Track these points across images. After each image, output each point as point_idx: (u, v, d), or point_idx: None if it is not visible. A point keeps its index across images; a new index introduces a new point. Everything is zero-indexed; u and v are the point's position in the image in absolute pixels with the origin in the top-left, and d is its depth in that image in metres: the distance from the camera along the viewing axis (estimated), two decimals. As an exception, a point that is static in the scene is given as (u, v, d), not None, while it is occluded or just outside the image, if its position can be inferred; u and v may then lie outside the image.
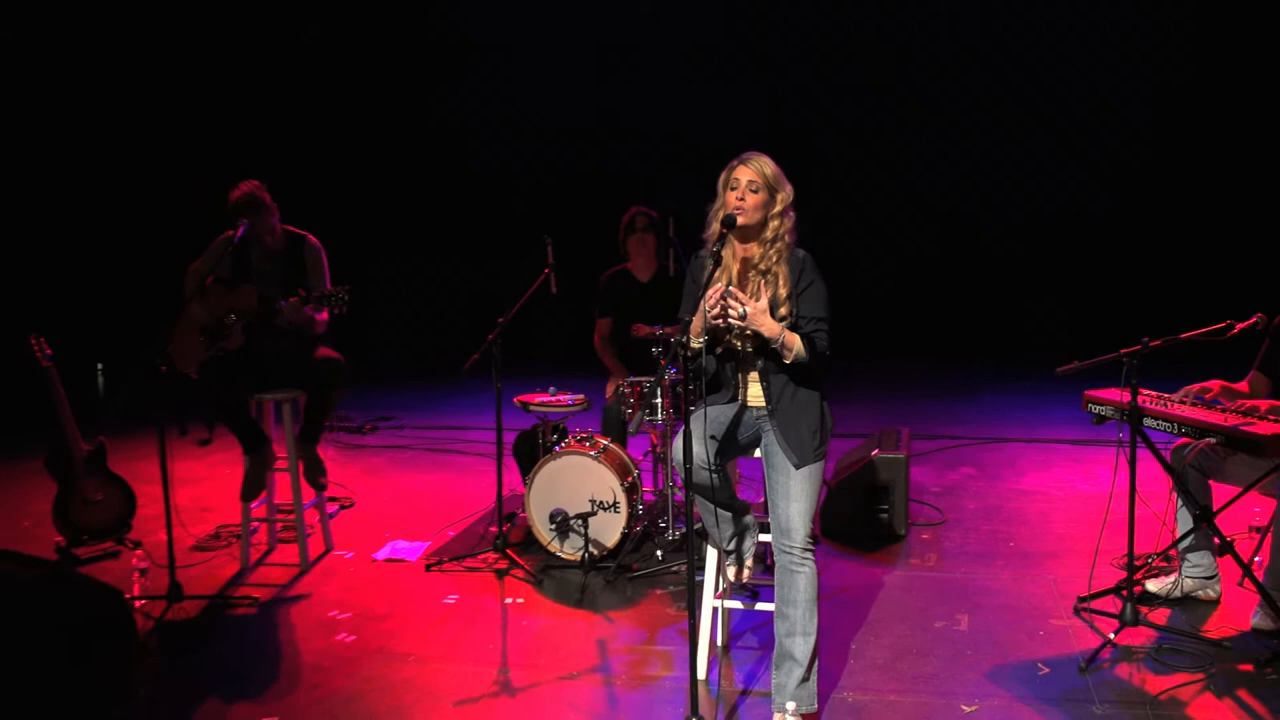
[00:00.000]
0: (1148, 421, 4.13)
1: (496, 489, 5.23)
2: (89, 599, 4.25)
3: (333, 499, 6.18)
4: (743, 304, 3.39)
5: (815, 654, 3.53)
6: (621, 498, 5.08)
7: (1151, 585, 4.55)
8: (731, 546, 3.84)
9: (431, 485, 6.77)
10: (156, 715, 3.81)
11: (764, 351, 3.59)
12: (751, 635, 4.33)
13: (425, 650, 4.29)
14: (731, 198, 3.56)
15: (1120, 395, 4.07)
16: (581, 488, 5.13)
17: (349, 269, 6.18)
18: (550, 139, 11.43)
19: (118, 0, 9.83)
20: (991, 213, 10.92)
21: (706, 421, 3.57)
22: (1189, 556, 4.47)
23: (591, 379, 6.13)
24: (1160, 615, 4.37)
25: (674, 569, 5.02)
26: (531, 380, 5.76)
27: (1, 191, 9.39)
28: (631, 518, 5.12)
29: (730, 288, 3.45)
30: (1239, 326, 4.14)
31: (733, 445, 3.71)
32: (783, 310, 3.56)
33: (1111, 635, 4.06)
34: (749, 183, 3.56)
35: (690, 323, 3.50)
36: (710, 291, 3.43)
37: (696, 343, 3.56)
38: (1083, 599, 4.48)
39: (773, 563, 3.65)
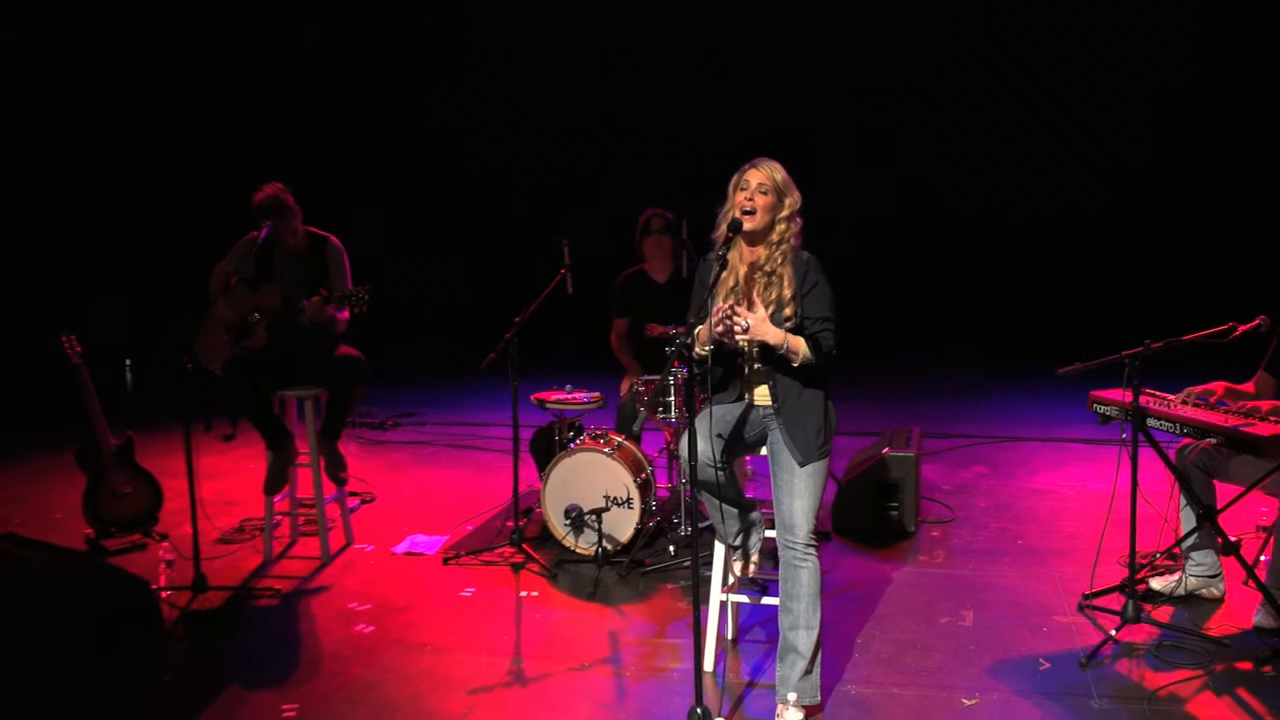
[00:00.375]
0: (1151, 422, 4.19)
1: (513, 485, 5.35)
2: (117, 589, 4.41)
3: (354, 494, 6.31)
4: (745, 319, 3.48)
5: (818, 647, 3.62)
6: (635, 494, 5.18)
7: (1156, 583, 4.61)
8: (738, 542, 3.93)
9: (451, 480, 6.89)
10: (181, 701, 3.93)
11: (770, 355, 3.67)
12: (760, 629, 4.42)
13: (441, 641, 4.41)
14: (740, 199, 3.65)
15: (1123, 396, 4.13)
16: (596, 484, 5.23)
17: (371, 266, 6.30)
18: (551, 139, 11.53)
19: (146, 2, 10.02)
20: (999, 212, 10.93)
21: (712, 420, 3.66)
22: (1193, 555, 4.53)
23: (609, 377, 6.22)
24: (1164, 613, 4.43)
25: (686, 564, 5.12)
26: (551, 378, 5.86)
27: (34, 197, 9.59)
28: (644, 513, 5.22)
29: (735, 306, 3.54)
30: (1241, 328, 4.20)
31: (739, 443, 3.80)
32: (787, 310, 3.64)
33: (1113, 632, 4.13)
34: (758, 185, 3.65)
35: (695, 327, 3.59)
36: (715, 309, 3.53)
37: (702, 350, 3.66)
38: (1087, 596, 4.55)
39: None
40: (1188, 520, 4.47)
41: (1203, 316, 4.56)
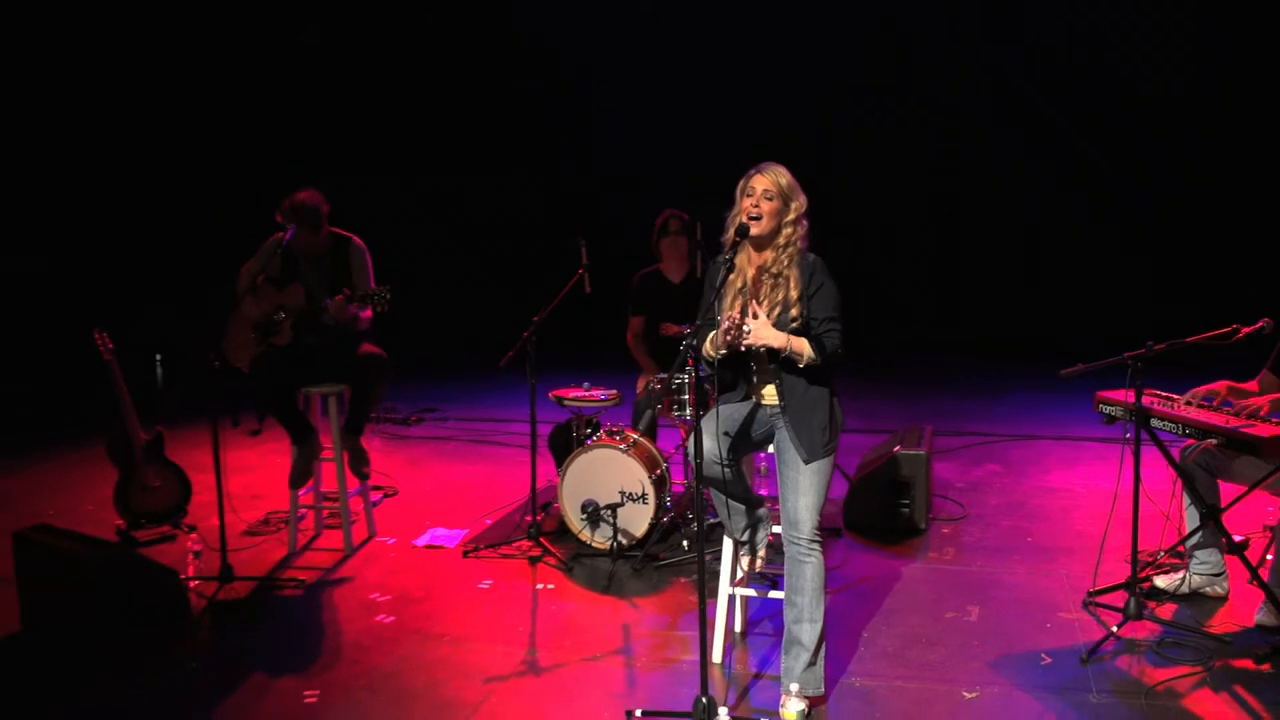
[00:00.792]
0: (1155, 422, 4.26)
1: (530, 480, 5.47)
2: (147, 579, 4.57)
3: (377, 488, 6.45)
4: (748, 324, 3.59)
5: (822, 639, 3.72)
6: (650, 490, 5.29)
7: (1160, 581, 4.68)
8: (745, 537, 4.04)
9: (472, 475, 7.02)
10: (208, 687, 4.07)
11: (776, 356, 3.77)
12: (768, 622, 4.52)
13: (459, 631, 4.54)
14: (747, 205, 3.75)
15: (1125, 396, 4.20)
16: (612, 479, 5.35)
17: (397, 264, 6.43)
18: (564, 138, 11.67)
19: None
20: (1014, 211, 10.95)
21: (719, 419, 3.77)
22: (1197, 554, 4.59)
23: (627, 374, 6.33)
24: (1167, 610, 4.50)
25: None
26: (572, 374, 5.98)
27: (66, 199, 9.79)
28: (659, 509, 5.33)
29: (740, 313, 3.64)
30: (1244, 330, 4.25)
31: (746, 441, 3.91)
32: (793, 311, 3.74)
33: (1115, 628, 4.20)
34: (764, 191, 3.74)
35: (702, 329, 3.70)
36: (723, 315, 3.65)
37: (713, 353, 3.77)
38: (1092, 593, 4.62)
39: None
40: (1192, 519, 4.53)
41: (1207, 317, 4.62)
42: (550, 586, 5.03)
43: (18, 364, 9.31)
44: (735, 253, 3.74)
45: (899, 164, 11.05)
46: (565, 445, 5.88)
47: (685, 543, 5.37)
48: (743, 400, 3.92)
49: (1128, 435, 4.19)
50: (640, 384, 6.05)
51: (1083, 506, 6.00)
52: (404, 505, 6.36)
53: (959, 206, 11.08)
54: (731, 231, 3.75)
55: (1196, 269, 10.34)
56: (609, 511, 5.28)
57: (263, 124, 10.80)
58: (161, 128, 10.35)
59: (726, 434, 3.79)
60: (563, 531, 5.56)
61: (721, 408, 3.86)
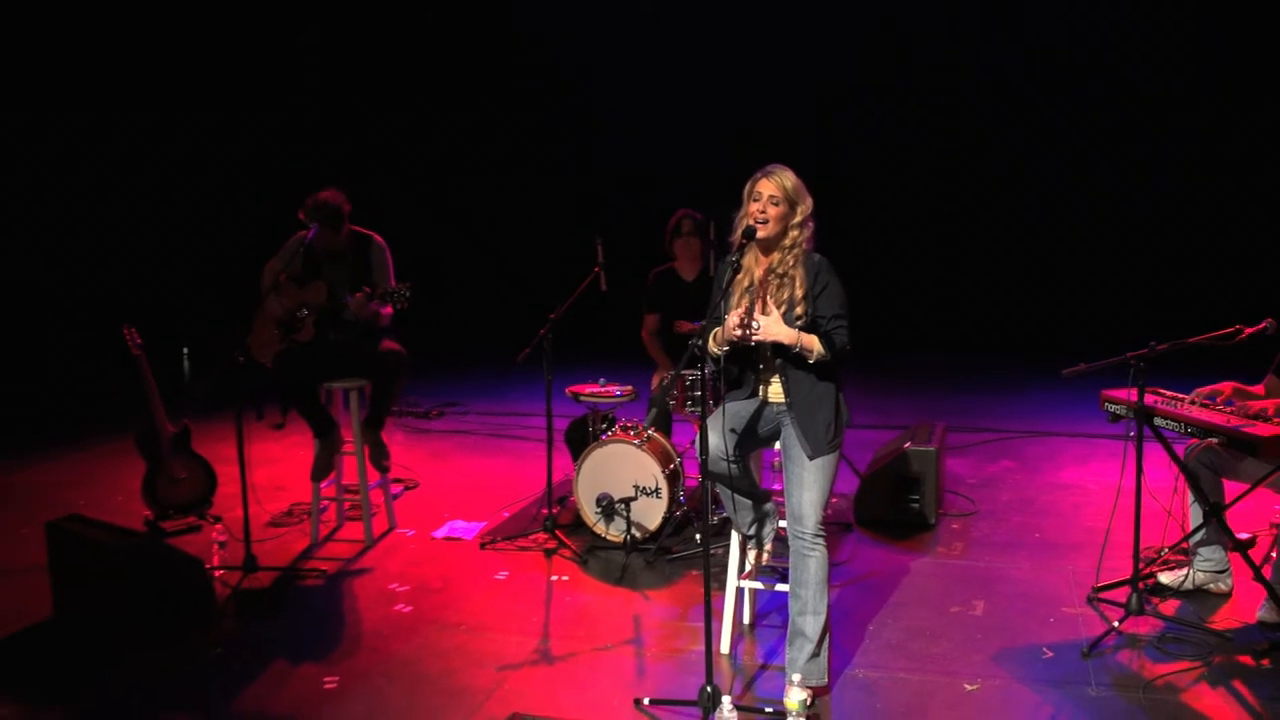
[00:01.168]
0: (1159, 421, 4.32)
1: (546, 474, 5.59)
2: (174, 568, 4.71)
3: (398, 480, 6.58)
4: (757, 320, 3.69)
5: (825, 631, 3.81)
6: (663, 484, 5.39)
7: (1164, 577, 4.74)
8: (752, 531, 4.14)
9: (491, 469, 7.14)
10: (231, 673, 4.21)
11: (783, 353, 3.86)
12: (776, 615, 4.61)
13: (475, 621, 4.66)
14: (754, 209, 3.83)
15: (1129, 395, 4.27)
16: (626, 474, 5.45)
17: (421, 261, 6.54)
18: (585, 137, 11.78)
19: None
20: (1028, 208, 10.97)
21: (725, 416, 3.87)
22: (1200, 551, 4.65)
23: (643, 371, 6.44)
24: (1171, 606, 4.56)
25: (711, 551, 5.31)
26: (589, 370, 6.09)
27: (97, 199, 9.99)
28: (672, 503, 5.43)
29: (750, 309, 3.74)
30: (1247, 331, 4.30)
31: (753, 438, 4.00)
32: (799, 309, 3.82)
33: (1116, 623, 4.27)
34: (770, 197, 3.82)
35: (708, 329, 3.80)
36: (732, 313, 3.75)
37: (718, 350, 3.87)
38: (1096, 589, 4.69)
39: None
40: (1197, 516, 4.59)
41: (1212, 317, 4.67)
42: (565, 578, 5.14)
43: (49, 359, 9.52)
44: (742, 254, 3.83)
45: (899, 164, 11.07)
46: (581, 440, 5.99)
47: (698, 536, 5.47)
48: (749, 398, 4.01)
49: (1130, 434, 4.26)
50: (655, 380, 6.16)
51: (1093, 503, 6.05)
52: (424, 498, 6.49)
53: (959, 206, 11.08)
54: (738, 233, 3.84)
55: (1197, 269, 10.33)
56: (623, 505, 5.39)
57: (263, 124, 10.94)
58: (188, 126, 10.54)
59: (733, 431, 3.89)
60: (578, 524, 5.67)
61: (728, 405, 3.95)
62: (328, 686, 4.08)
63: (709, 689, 3.58)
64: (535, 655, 4.31)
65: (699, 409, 5.47)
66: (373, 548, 5.61)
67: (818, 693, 3.81)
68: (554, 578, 5.15)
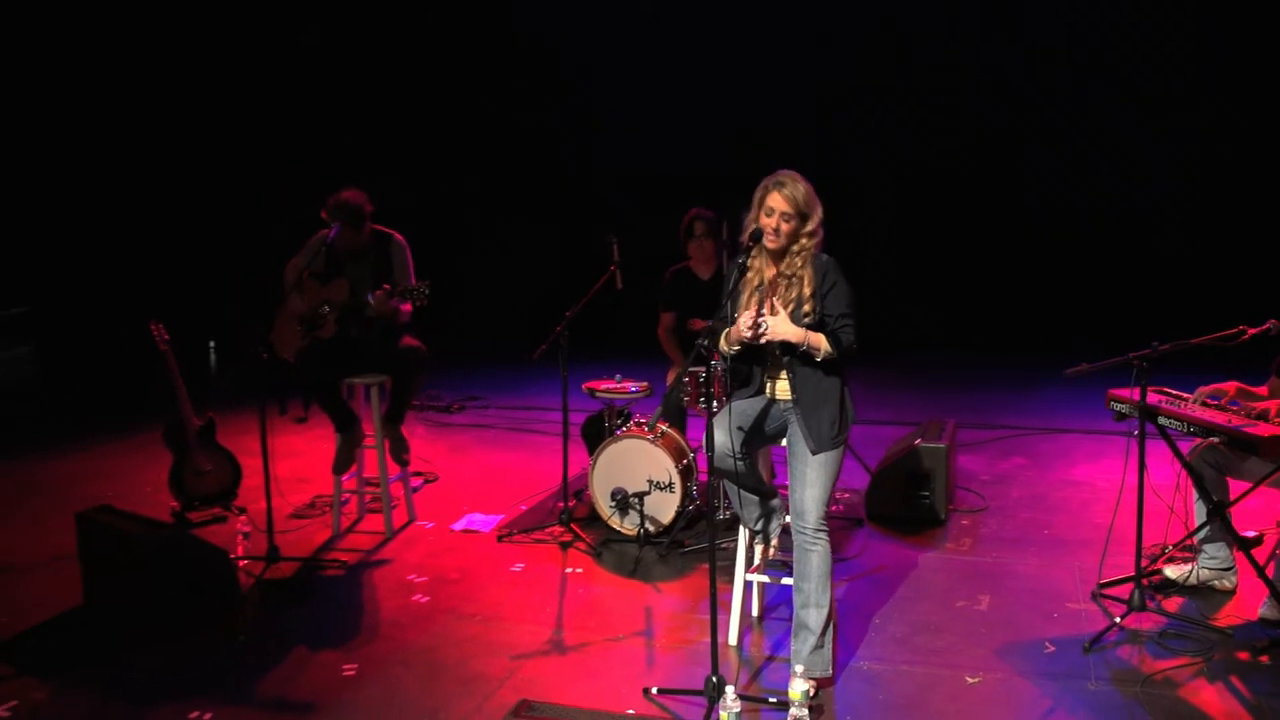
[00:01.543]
0: (1162, 420, 4.39)
1: (562, 468, 5.70)
2: (199, 558, 4.84)
3: (418, 474, 6.71)
4: (765, 320, 3.78)
5: (828, 623, 3.91)
6: (676, 479, 5.50)
7: (1170, 571, 4.80)
8: (758, 526, 4.24)
9: (510, 462, 7.26)
10: (254, 660, 4.35)
11: (792, 351, 3.95)
12: (785, 608, 4.69)
13: (491, 611, 4.78)
14: (765, 224, 3.90)
15: (1133, 394, 4.33)
16: (640, 468, 5.56)
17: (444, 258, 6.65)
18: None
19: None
20: (1043, 206, 10.98)
21: (731, 414, 3.96)
22: (1206, 548, 4.71)
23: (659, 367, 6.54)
24: (1175, 603, 4.63)
25: (722, 545, 5.40)
26: (608, 365, 6.20)
27: (127, 198, 10.17)
28: (685, 497, 5.53)
29: (759, 309, 3.84)
30: (1251, 332, 4.34)
31: (760, 435, 4.10)
32: (806, 308, 3.91)
33: (1118, 619, 4.35)
34: (782, 213, 3.87)
35: (716, 329, 3.90)
36: (743, 314, 3.86)
37: (729, 349, 3.97)
38: (1101, 585, 4.76)
39: None
40: (1202, 514, 4.66)
41: (1210, 317, 4.72)
42: (579, 570, 5.26)
43: (82, 353, 9.72)
44: (748, 255, 3.92)
45: (899, 164, 11.09)
46: (597, 435, 6.10)
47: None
48: (756, 395, 4.11)
49: (1134, 432, 4.32)
50: (671, 377, 6.26)
51: (1103, 500, 6.10)
52: (443, 491, 6.62)
53: (959, 206, 11.10)
54: (747, 235, 3.93)
55: (1196, 269, 10.30)
56: (637, 499, 5.50)
57: (265, 124, 11.06)
58: (215, 130, 10.69)
59: (740, 429, 3.99)
60: (593, 518, 5.78)
61: (735, 403, 4.05)
62: (346, 673, 4.21)
63: (714, 679, 3.68)
64: (548, 645, 4.43)
65: (710, 405, 5.56)
66: (392, 539, 5.74)
67: (821, 684, 3.91)
68: (569, 570, 5.27)
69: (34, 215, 9.60)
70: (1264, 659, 4.08)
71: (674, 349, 6.29)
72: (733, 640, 4.37)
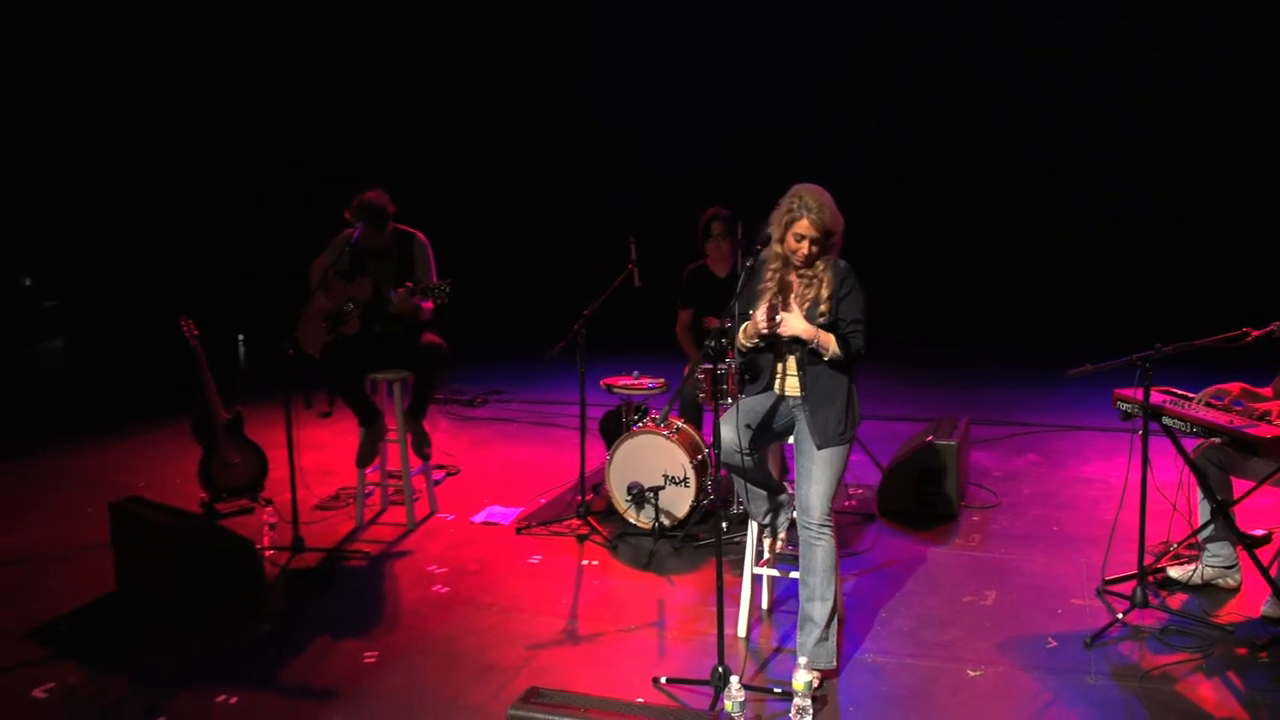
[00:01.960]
0: (1166, 420, 4.46)
1: (579, 463, 5.83)
2: (227, 548, 4.99)
3: (440, 467, 6.86)
4: (780, 314, 3.90)
5: (833, 616, 4.02)
6: (691, 474, 5.61)
7: (1174, 571, 4.87)
8: (766, 521, 4.36)
9: (531, 456, 7.40)
10: (279, 647, 4.50)
11: (803, 348, 4.06)
12: (793, 601, 4.76)
13: (508, 602, 4.92)
14: (795, 248, 3.98)
15: (1137, 394, 4.41)
16: (656, 464, 5.68)
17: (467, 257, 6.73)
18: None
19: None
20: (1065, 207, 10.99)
21: (739, 412, 4.08)
22: (1209, 546, 4.78)
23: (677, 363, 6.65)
24: (1178, 600, 4.70)
25: (737, 539, 5.52)
26: (627, 362, 6.33)
27: (158, 196, 10.36)
28: (700, 492, 5.65)
29: (774, 305, 3.95)
30: (1254, 334, 4.41)
31: (768, 432, 4.21)
32: (822, 308, 4.02)
33: (1120, 615, 4.43)
34: (811, 240, 3.96)
35: (728, 329, 4.01)
36: (756, 311, 3.97)
37: (746, 344, 4.08)
38: (1106, 581, 4.84)
39: None
40: (1206, 513, 4.73)
41: (1212, 318, 4.78)
42: (595, 563, 5.38)
43: (113, 347, 9.92)
44: (759, 260, 4.03)
45: (899, 164, 11.11)
46: (615, 430, 6.22)
47: (724, 524, 5.67)
48: (764, 392, 4.21)
49: (1138, 431, 4.40)
50: (687, 373, 6.36)
51: (1113, 498, 6.09)
52: (465, 484, 6.76)
53: (959, 206, 11.12)
54: (765, 238, 4.05)
55: (1196, 269, 10.32)
56: (652, 493, 5.62)
57: (269, 125, 11.19)
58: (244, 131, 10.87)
59: (748, 426, 4.10)
60: (609, 511, 5.90)
61: (744, 401, 4.17)
62: (367, 661, 4.35)
63: (720, 669, 3.81)
64: (563, 635, 4.56)
65: (725, 401, 5.68)
66: (414, 531, 5.88)
67: (826, 675, 4.03)
68: (585, 562, 5.40)
69: (66, 212, 9.81)
70: (1263, 655, 4.16)
71: (691, 345, 6.40)
72: (742, 632, 4.48)
